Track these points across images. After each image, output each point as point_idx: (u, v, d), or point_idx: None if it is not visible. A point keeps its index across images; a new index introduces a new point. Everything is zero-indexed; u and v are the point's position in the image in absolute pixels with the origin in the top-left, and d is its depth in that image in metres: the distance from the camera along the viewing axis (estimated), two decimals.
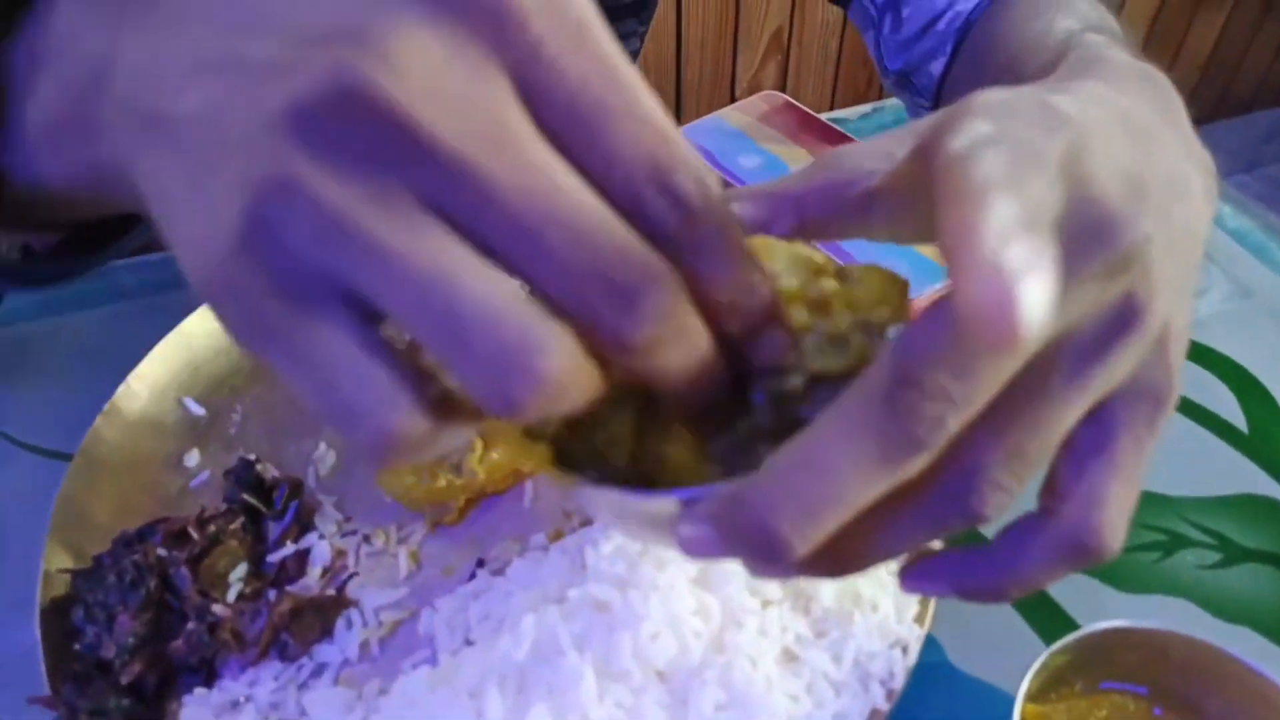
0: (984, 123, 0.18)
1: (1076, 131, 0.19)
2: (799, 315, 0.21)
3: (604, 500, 0.22)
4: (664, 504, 0.20)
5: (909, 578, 0.23)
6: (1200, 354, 0.46)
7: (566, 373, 0.16)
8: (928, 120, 0.21)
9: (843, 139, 0.56)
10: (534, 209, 0.16)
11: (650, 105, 0.17)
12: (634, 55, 0.69)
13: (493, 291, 0.16)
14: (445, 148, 0.16)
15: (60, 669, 0.32)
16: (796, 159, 0.55)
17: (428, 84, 0.16)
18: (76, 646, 0.32)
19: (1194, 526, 0.39)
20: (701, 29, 1.36)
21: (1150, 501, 0.39)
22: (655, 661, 0.29)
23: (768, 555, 0.18)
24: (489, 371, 0.16)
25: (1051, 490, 0.21)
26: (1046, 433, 0.20)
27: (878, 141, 0.23)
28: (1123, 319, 0.20)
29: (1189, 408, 0.43)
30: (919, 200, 0.20)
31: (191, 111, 0.17)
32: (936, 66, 0.52)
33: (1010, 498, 0.20)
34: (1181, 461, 0.41)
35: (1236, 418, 0.43)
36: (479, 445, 0.37)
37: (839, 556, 0.21)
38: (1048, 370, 0.19)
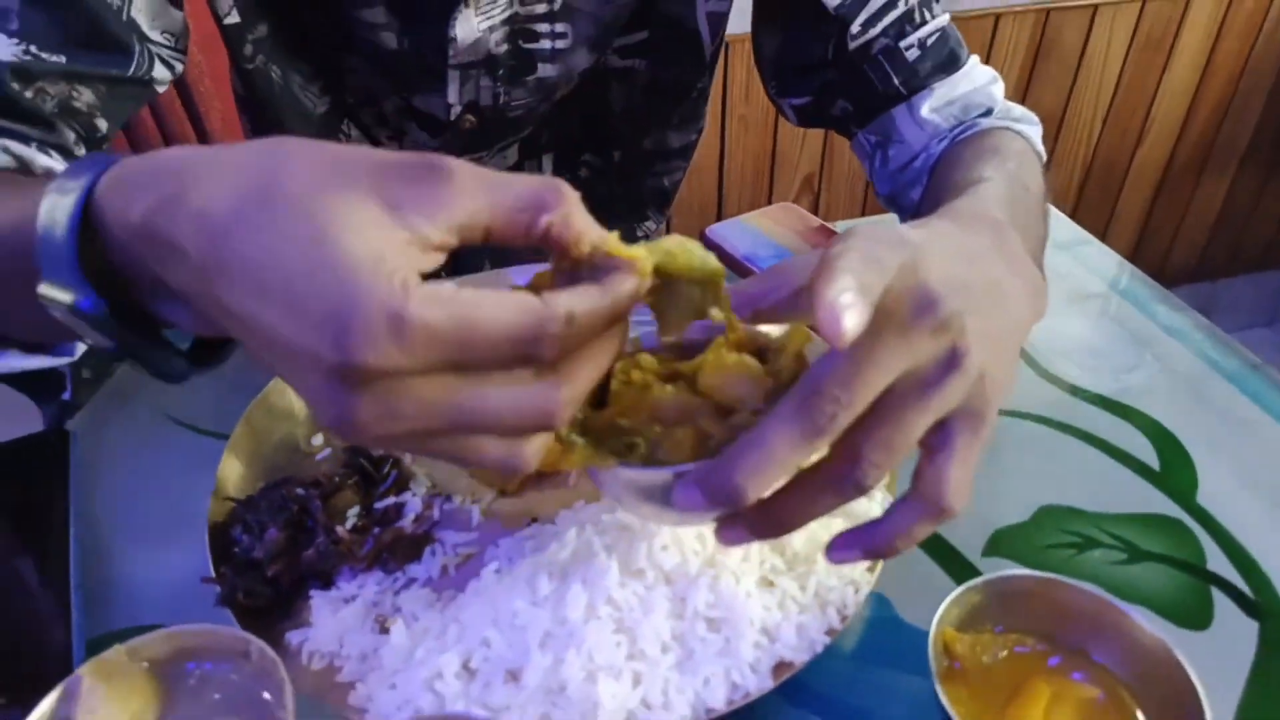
0: (854, 241, 0.32)
1: (915, 249, 0.33)
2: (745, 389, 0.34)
3: (624, 477, 0.33)
4: (666, 475, 0.32)
5: (832, 550, 0.35)
6: (1125, 412, 0.56)
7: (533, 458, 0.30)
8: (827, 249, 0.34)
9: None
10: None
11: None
12: (676, 185, 0.85)
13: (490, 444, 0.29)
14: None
15: (222, 566, 0.43)
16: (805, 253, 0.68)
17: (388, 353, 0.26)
18: (235, 550, 0.43)
19: (1105, 533, 0.48)
20: (740, 172, 1.55)
21: (1071, 514, 0.49)
22: (663, 565, 0.39)
23: (731, 502, 0.30)
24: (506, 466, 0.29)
25: (915, 477, 0.34)
26: (905, 434, 0.32)
27: (806, 256, 0.37)
28: (950, 361, 0.32)
29: (1110, 449, 0.53)
30: None
31: (260, 349, 0.28)
32: (915, 193, 0.65)
33: (881, 474, 0.31)
34: (1100, 487, 0.50)
35: (1151, 459, 0.53)
36: None
37: (777, 520, 0.33)
38: (905, 393, 0.32)
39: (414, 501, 0.47)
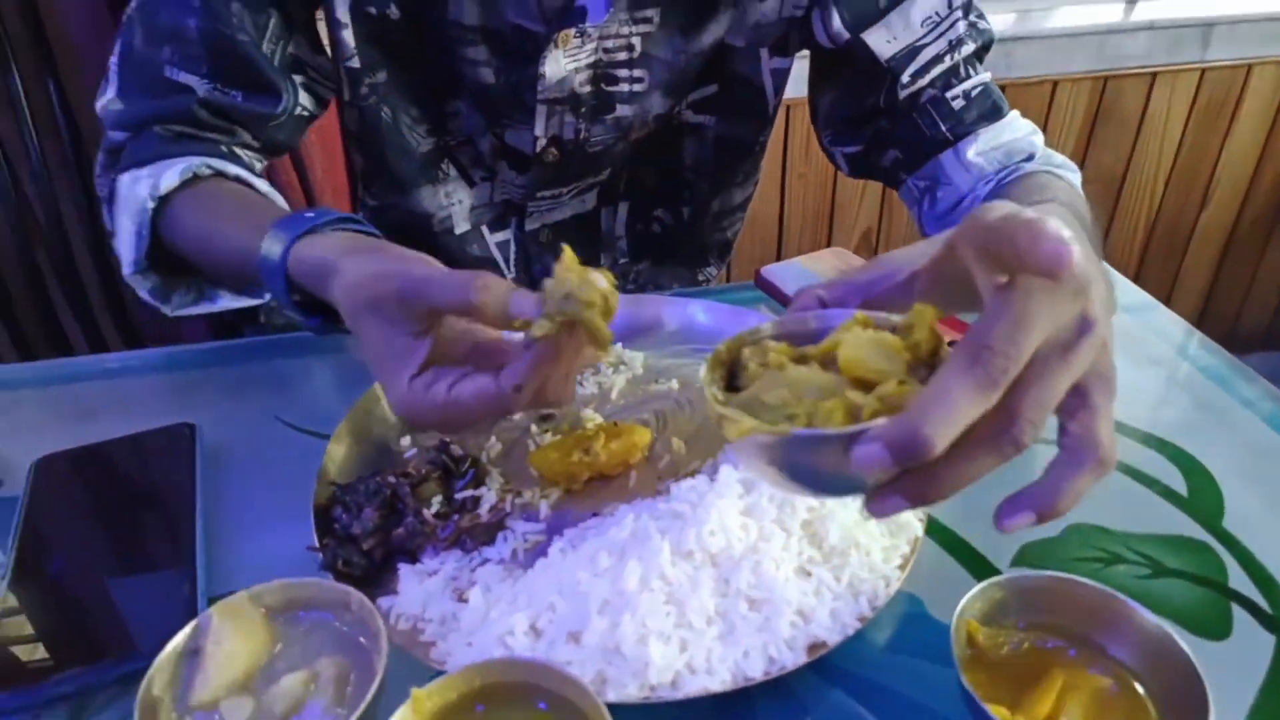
0: (1006, 205, 0.34)
1: (1053, 215, 0.34)
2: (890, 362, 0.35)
3: (797, 439, 0.33)
4: (845, 433, 0.32)
5: (1003, 516, 0.35)
6: (1157, 443, 0.59)
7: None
8: (944, 234, 0.37)
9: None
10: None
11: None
12: (736, 235, 0.91)
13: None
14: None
15: (324, 539, 0.49)
16: None
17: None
18: (335, 526, 0.49)
19: (1131, 551, 0.51)
20: (800, 227, 1.61)
21: (1099, 532, 0.52)
22: (710, 549, 0.44)
23: (920, 454, 0.30)
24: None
25: (1066, 437, 0.35)
26: (1054, 392, 0.33)
27: (911, 247, 0.40)
28: (1083, 326, 0.33)
29: (1140, 476, 0.56)
30: (944, 279, 0.37)
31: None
32: None
33: (1037, 431, 0.32)
34: (1129, 509, 0.53)
35: (1180, 486, 0.55)
36: (603, 436, 0.54)
37: (938, 483, 0.33)
38: (1049, 355, 0.32)
39: (489, 495, 0.53)
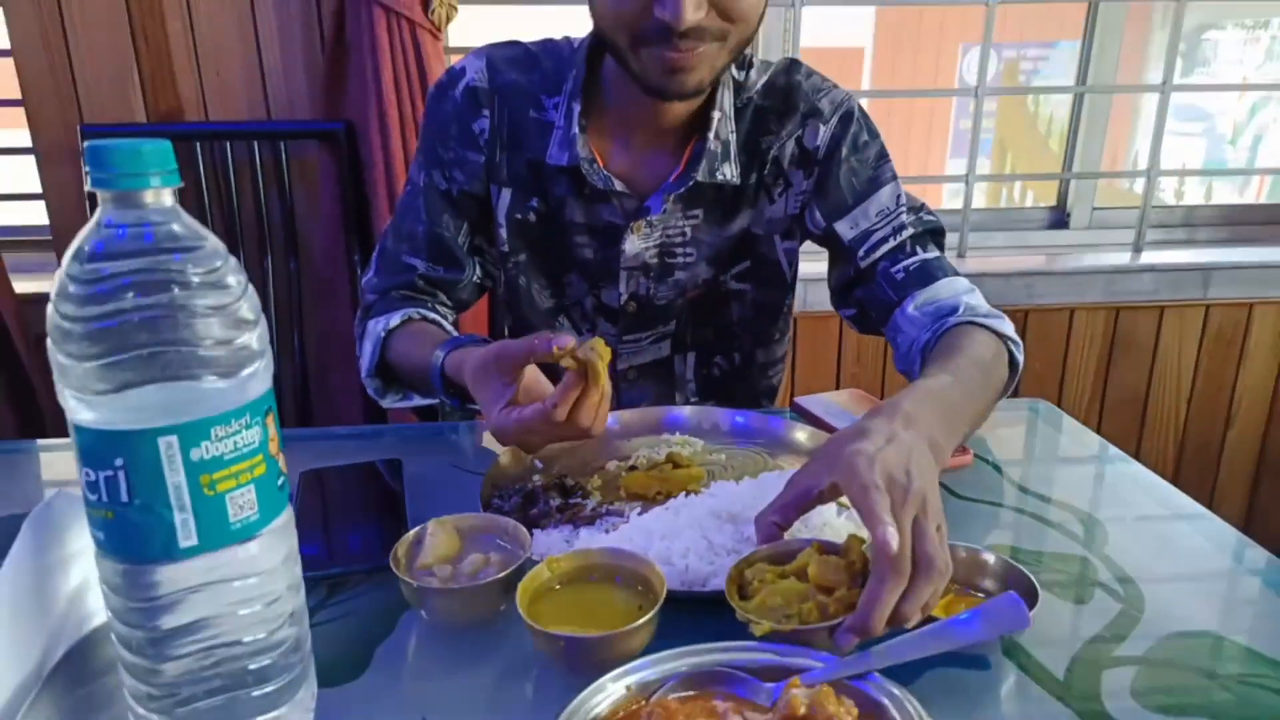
0: (854, 481, 0.60)
1: (869, 458, 0.61)
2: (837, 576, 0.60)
3: (799, 633, 0.56)
4: (827, 626, 0.55)
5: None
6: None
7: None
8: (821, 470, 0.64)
9: None
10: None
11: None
12: (780, 383, 1.20)
13: None
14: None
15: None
16: None
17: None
18: (495, 502, 0.77)
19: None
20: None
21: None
22: (732, 510, 0.69)
23: (870, 634, 0.54)
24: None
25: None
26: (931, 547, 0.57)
27: (807, 473, 0.65)
28: (922, 507, 0.59)
29: None
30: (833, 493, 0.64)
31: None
32: (915, 370, 0.96)
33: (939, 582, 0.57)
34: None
35: None
36: (671, 464, 0.80)
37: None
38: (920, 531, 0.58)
39: (591, 502, 0.79)
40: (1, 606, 0.48)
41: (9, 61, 1.57)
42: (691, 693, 0.53)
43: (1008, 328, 0.92)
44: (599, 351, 0.73)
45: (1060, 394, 1.92)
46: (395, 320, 0.97)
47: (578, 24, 0.98)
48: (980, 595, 0.64)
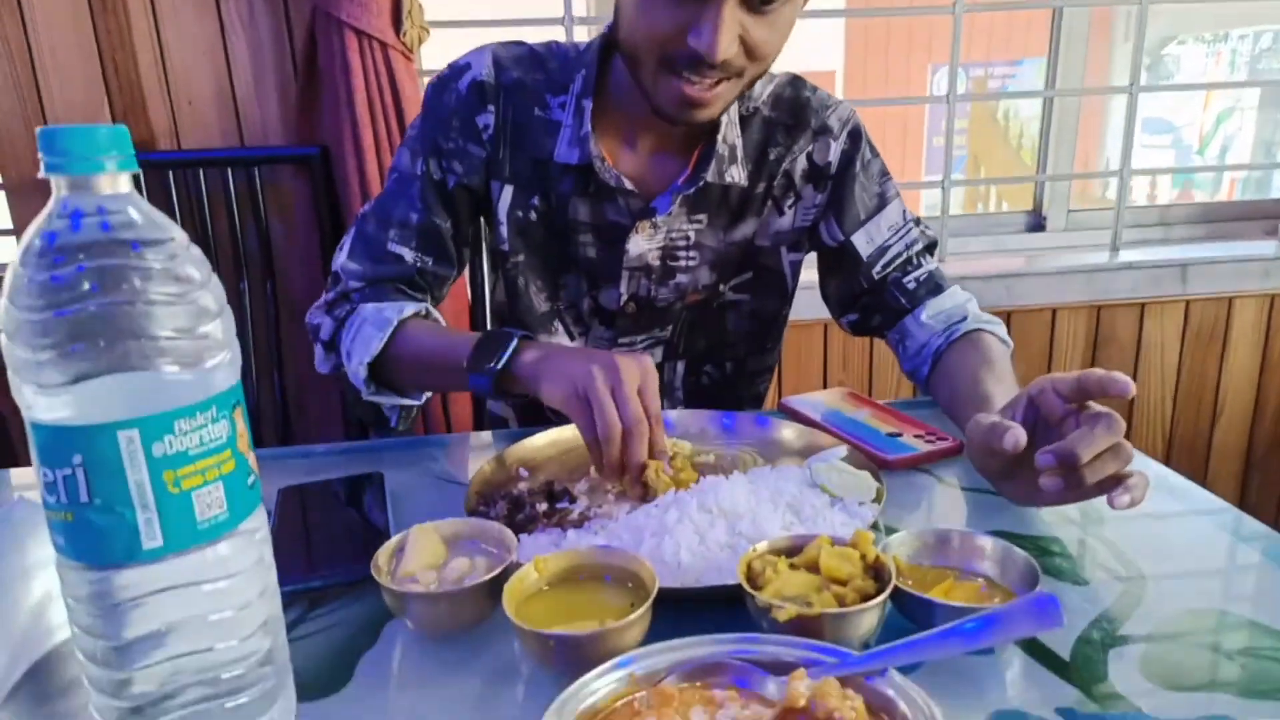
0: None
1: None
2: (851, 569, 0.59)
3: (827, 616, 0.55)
4: (854, 613, 0.55)
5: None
6: None
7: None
8: (1019, 397, 0.74)
9: (895, 416, 0.98)
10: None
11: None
12: (766, 391, 1.19)
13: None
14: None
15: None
16: (855, 416, 0.98)
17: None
18: (479, 514, 0.75)
19: None
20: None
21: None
22: (724, 506, 0.67)
23: (1077, 459, 0.66)
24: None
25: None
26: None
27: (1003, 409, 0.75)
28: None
29: None
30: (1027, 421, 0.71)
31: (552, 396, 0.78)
32: (925, 369, 0.99)
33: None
34: None
35: None
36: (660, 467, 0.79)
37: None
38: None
39: (579, 505, 0.77)
40: None
41: None
42: (696, 684, 0.51)
43: (1003, 331, 0.99)
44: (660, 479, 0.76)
45: None
46: (408, 310, 0.95)
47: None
48: (979, 580, 0.63)
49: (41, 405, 0.41)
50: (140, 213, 0.43)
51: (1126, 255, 1.92)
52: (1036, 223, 2.06)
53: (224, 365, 0.45)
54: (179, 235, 0.44)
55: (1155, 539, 0.73)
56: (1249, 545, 0.72)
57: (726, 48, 0.81)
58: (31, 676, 0.46)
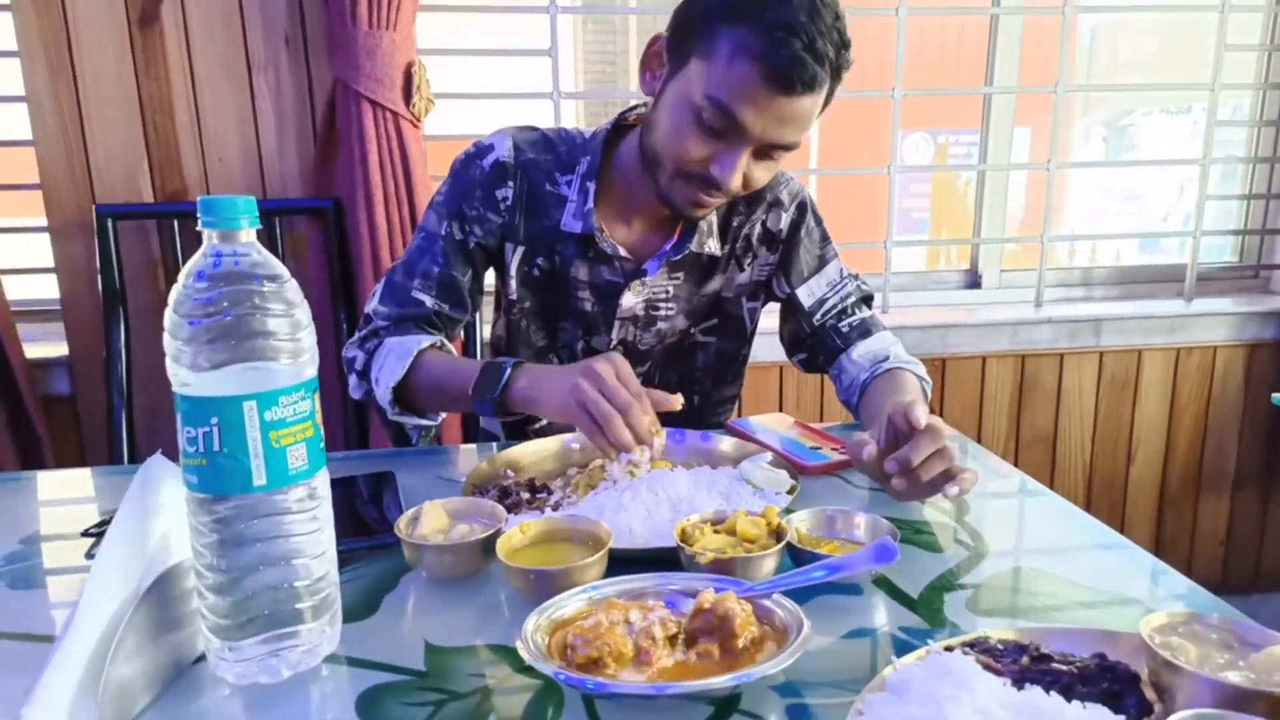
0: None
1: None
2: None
3: (732, 563, 0.85)
4: (753, 559, 0.85)
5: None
6: None
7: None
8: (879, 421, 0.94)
9: (818, 434, 1.19)
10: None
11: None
12: (728, 418, 1.40)
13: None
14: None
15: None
16: (787, 434, 1.18)
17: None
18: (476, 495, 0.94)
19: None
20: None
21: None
22: (669, 490, 0.87)
23: (909, 462, 0.93)
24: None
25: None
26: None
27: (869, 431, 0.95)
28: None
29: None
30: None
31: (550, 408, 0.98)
32: (855, 400, 1.21)
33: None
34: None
35: None
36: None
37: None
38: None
39: (555, 495, 0.97)
40: (118, 539, 0.64)
41: (18, 149, 1.75)
42: (636, 601, 0.70)
43: (921, 370, 1.22)
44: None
45: (980, 434, 2.14)
46: (425, 342, 1.16)
47: (540, 117, 1.20)
48: (856, 545, 0.83)
49: (191, 382, 0.61)
50: (261, 255, 0.63)
51: (1048, 310, 2.15)
52: (973, 280, 2.30)
53: (311, 361, 0.65)
54: (284, 272, 0.64)
55: (1009, 525, 0.93)
56: (1083, 530, 0.92)
57: (739, 185, 1.06)
58: (158, 583, 0.64)
